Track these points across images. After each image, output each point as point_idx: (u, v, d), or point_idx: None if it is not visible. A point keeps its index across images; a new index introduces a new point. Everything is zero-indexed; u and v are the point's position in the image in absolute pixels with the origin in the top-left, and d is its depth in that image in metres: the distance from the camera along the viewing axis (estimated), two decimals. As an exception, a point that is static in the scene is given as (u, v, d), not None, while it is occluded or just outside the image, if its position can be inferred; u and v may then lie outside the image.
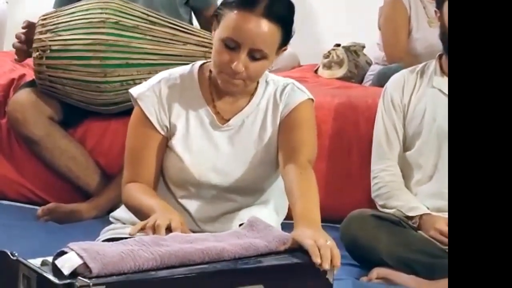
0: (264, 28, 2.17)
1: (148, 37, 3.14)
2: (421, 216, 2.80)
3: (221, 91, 2.30)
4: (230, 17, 2.18)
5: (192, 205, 2.32)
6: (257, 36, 2.17)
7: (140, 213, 2.18)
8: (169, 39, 3.16)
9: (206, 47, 3.12)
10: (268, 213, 2.34)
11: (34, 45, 3.11)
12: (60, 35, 3.11)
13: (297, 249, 1.87)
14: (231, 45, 2.18)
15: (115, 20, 3.12)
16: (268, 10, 2.17)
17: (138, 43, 3.13)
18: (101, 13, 3.13)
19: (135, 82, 3.01)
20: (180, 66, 2.39)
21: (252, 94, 2.34)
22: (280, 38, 2.21)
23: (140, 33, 3.13)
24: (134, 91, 2.32)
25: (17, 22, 4.61)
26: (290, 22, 2.24)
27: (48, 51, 3.11)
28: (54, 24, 3.14)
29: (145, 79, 2.50)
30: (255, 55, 2.19)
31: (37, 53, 3.11)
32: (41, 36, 3.12)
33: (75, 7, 3.18)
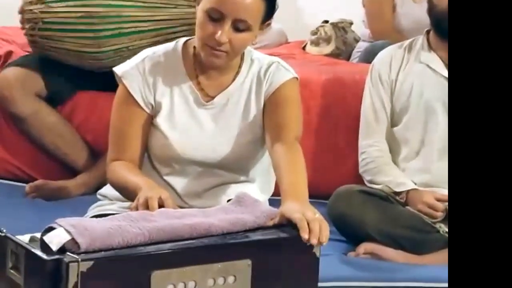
0: None
1: (139, 4, 3.14)
2: (408, 191, 2.81)
3: (205, 67, 2.29)
4: None
5: (177, 181, 2.32)
6: (241, 6, 2.16)
7: (125, 191, 2.18)
8: (160, 3, 3.16)
9: (197, 7, 3.14)
10: (253, 189, 2.34)
11: (25, 16, 3.11)
12: (51, 7, 3.11)
13: (285, 224, 1.88)
14: (215, 16, 2.17)
15: None
16: None
17: (129, 11, 3.12)
18: (90, -17, 3.13)
19: (128, 49, 3.06)
20: (172, 30, 2.38)
21: (237, 72, 2.33)
22: (264, 9, 2.21)
23: (130, 1, 3.13)
24: (118, 69, 2.31)
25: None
26: None
27: (40, 23, 3.11)
28: (44, -5, 3.14)
29: (139, 46, 2.50)
30: (239, 26, 2.18)
31: (29, 24, 3.11)
32: (31, 7, 3.11)
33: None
